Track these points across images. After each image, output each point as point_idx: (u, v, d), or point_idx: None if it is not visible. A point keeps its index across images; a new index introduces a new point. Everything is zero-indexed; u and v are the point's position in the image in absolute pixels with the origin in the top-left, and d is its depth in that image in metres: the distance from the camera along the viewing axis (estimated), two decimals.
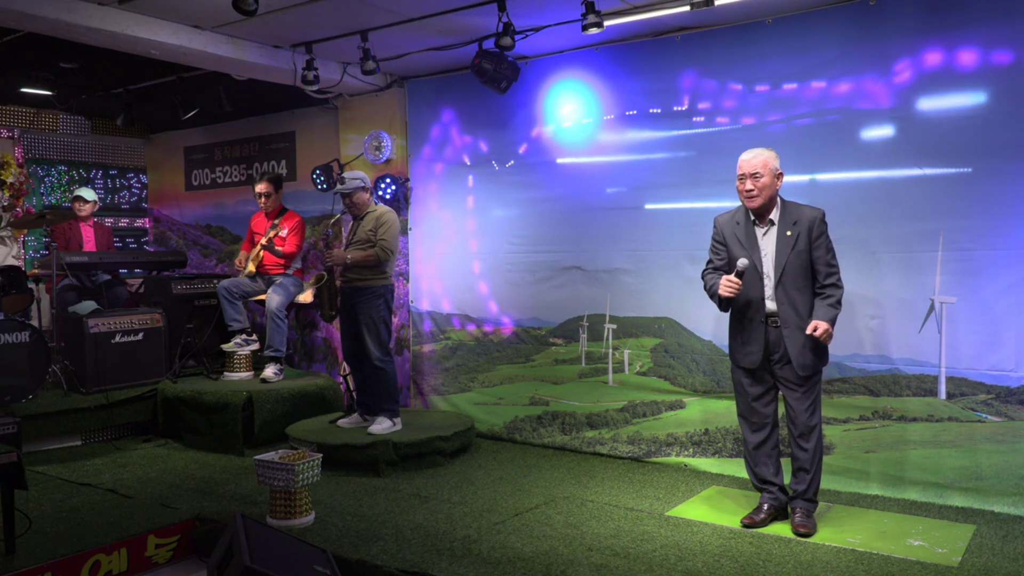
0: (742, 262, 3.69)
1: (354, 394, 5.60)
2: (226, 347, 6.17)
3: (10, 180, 7.57)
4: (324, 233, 7.04)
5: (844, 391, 4.55)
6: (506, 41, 4.72)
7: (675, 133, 5.10)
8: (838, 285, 3.74)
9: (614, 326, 5.44)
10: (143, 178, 8.79)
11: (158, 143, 8.69)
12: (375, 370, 5.15)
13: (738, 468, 4.61)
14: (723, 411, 4.90)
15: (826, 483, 4.29)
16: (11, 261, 7.48)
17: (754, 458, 3.97)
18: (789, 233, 3.74)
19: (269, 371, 5.97)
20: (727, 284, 3.71)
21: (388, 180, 6.27)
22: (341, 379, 6.06)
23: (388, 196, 6.23)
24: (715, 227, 4.01)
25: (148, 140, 8.75)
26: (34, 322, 6.00)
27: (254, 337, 6.27)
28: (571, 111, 5.54)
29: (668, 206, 5.17)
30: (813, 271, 3.75)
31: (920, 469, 4.29)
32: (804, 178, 4.60)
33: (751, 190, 3.75)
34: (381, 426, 5.12)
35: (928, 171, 4.28)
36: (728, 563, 3.43)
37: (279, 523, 3.90)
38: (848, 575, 3.30)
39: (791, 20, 4.64)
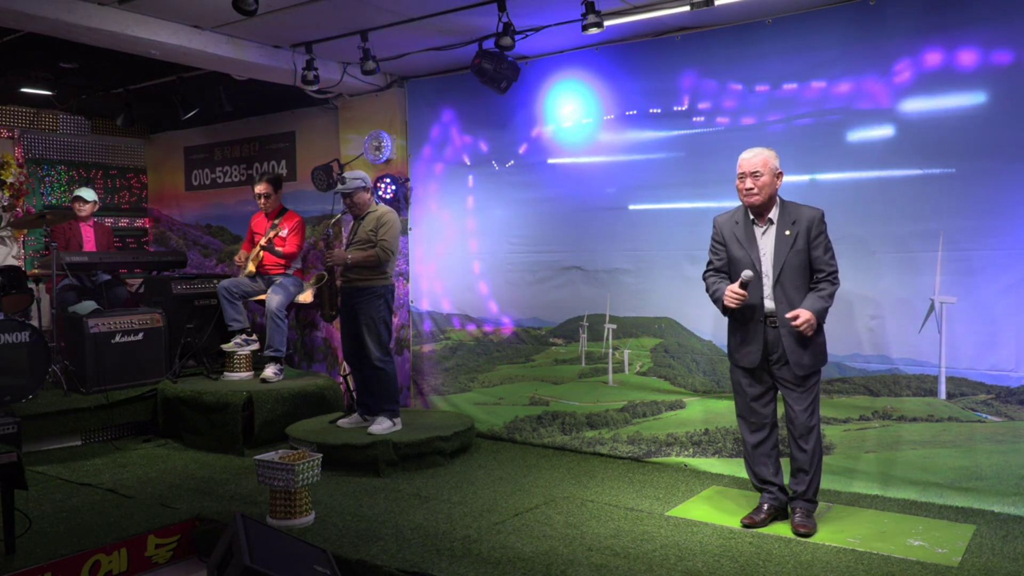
0: (747, 274, 3.69)
1: (354, 394, 5.60)
2: (226, 347, 6.17)
3: (10, 180, 7.57)
4: (324, 233, 7.04)
5: (844, 391, 4.55)
6: (506, 41, 4.72)
7: (675, 133, 5.10)
8: (833, 282, 3.74)
9: (614, 326, 5.44)
10: (143, 178, 8.79)
11: (158, 143, 8.69)
12: (375, 370, 5.15)
13: (738, 468, 4.61)
14: (723, 411, 4.90)
15: (826, 483, 4.29)
16: (11, 261, 7.48)
17: (753, 458, 3.97)
18: (788, 232, 3.74)
19: (269, 371, 5.98)
20: (732, 296, 3.72)
21: (388, 180, 6.27)
22: (341, 379, 6.06)
23: (388, 196, 6.23)
24: (714, 227, 4.02)
25: (148, 140, 8.75)
26: (34, 322, 6.00)
27: (254, 337, 6.27)
28: (571, 111, 5.54)
29: (668, 206, 5.17)
30: (812, 271, 3.75)
31: (920, 469, 4.29)
32: (804, 178, 4.60)
33: (751, 188, 3.76)
34: (381, 426, 5.12)
35: (928, 171, 4.28)
36: (728, 563, 3.43)
37: (279, 523, 3.90)
38: (848, 575, 3.30)
39: (791, 20, 4.64)
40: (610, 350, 5.46)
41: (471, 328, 6.13)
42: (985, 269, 4.15)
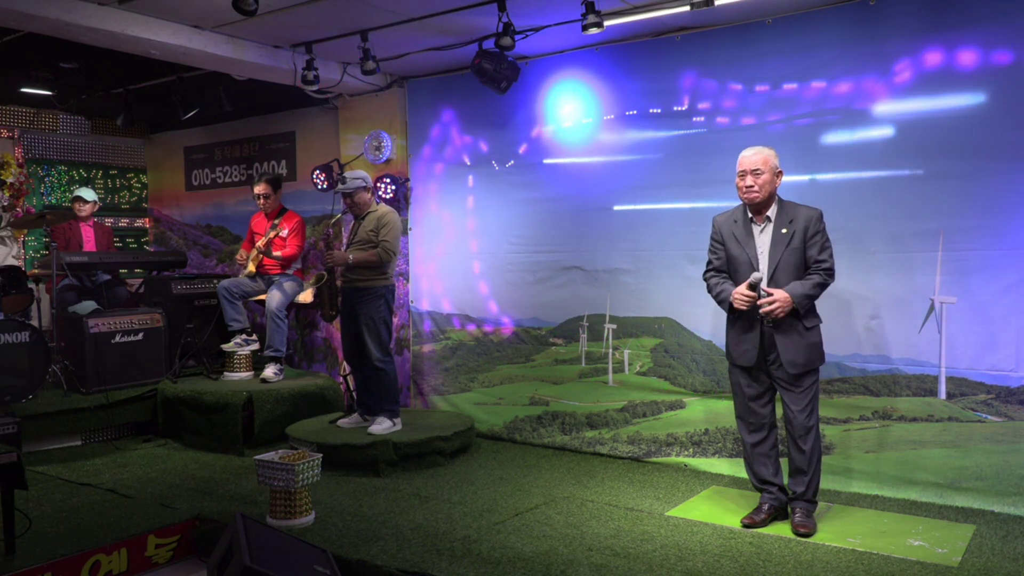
0: (756, 275, 3.70)
1: (354, 394, 5.60)
2: (226, 347, 6.17)
3: (10, 180, 7.57)
4: (324, 233, 7.04)
5: (844, 391, 4.55)
6: (506, 41, 4.72)
7: (675, 133, 5.10)
8: (824, 275, 3.71)
9: (614, 326, 5.44)
10: (143, 178, 8.80)
11: (158, 143, 8.69)
12: (375, 370, 5.15)
13: (738, 468, 4.61)
14: (723, 411, 4.90)
15: (826, 483, 4.29)
16: (11, 261, 7.48)
17: (753, 458, 3.97)
18: (784, 231, 3.75)
19: (269, 371, 5.98)
20: (741, 299, 3.72)
21: (388, 180, 6.27)
22: (341, 379, 6.06)
23: (388, 196, 6.23)
24: (714, 226, 4.03)
25: (148, 140, 8.75)
26: (34, 322, 6.01)
27: (254, 337, 6.27)
28: (571, 111, 5.54)
29: (668, 206, 5.17)
30: (807, 270, 3.75)
31: (920, 469, 4.29)
32: (804, 178, 4.60)
33: (751, 186, 3.76)
34: (381, 426, 5.12)
35: (928, 171, 4.28)
36: (728, 563, 3.43)
37: (279, 523, 3.90)
38: (848, 575, 3.30)
39: (791, 20, 4.64)
40: (610, 350, 5.46)
41: (471, 328, 6.13)
42: (985, 269, 4.14)
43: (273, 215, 6.35)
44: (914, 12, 4.28)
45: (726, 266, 3.93)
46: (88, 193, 6.84)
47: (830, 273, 3.74)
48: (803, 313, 3.71)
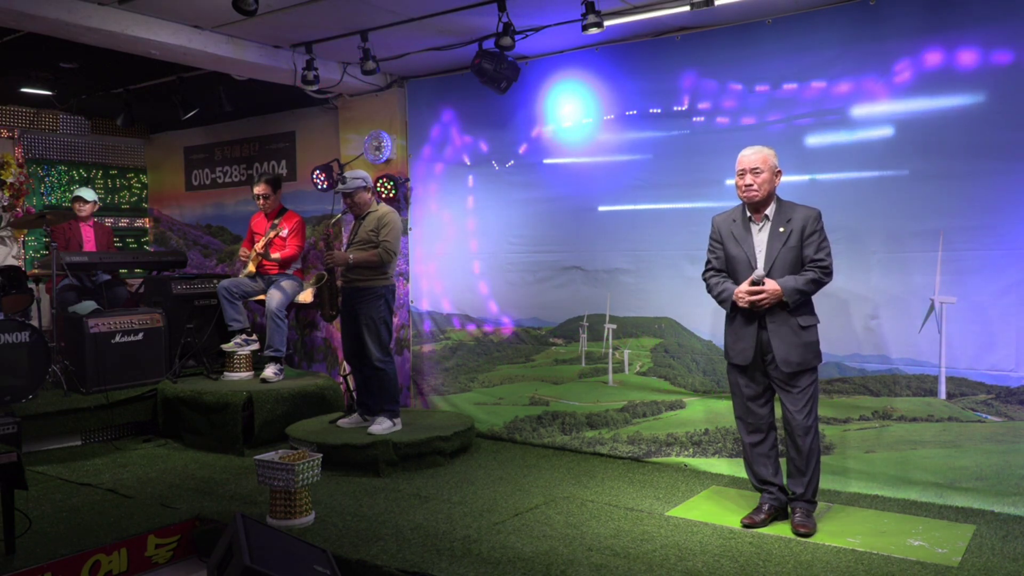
0: (758, 273, 3.71)
1: (354, 394, 5.60)
2: (226, 347, 6.17)
3: (10, 180, 7.57)
4: (324, 233, 7.04)
5: (844, 391, 4.55)
6: (506, 41, 4.72)
7: (675, 133, 5.10)
8: (819, 272, 3.71)
9: (614, 326, 5.44)
10: (143, 178, 8.80)
11: (158, 143, 8.69)
12: (375, 370, 5.15)
13: (738, 468, 4.61)
14: (723, 411, 4.90)
15: (826, 483, 4.29)
16: (11, 261, 7.48)
17: (752, 458, 3.97)
18: (782, 229, 3.76)
19: (269, 371, 5.98)
20: (745, 297, 3.72)
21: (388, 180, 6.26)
22: (341, 379, 6.06)
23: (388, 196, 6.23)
24: (713, 226, 4.03)
25: (148, 140, 8.75)
26: (34, 322, 6.00)
27: (254, 337, 6.27)
28: (571, 111, 5.54)
29: (668, 206, 5.17)
30: (804, 268, 3.76)
31: (920, 469, 4.29)
32: (804, 178, 4.60)
33: (751, 184, 3.77)
34: (381, 426, 5.12)
35: (928, 171, 4.28)
36: (728, 563, 3.43)
37: (279, 523, 3.90)
38: (848, 575, 3.30)
39: (791, 20, 4.64)
40: (610, 350, 5.46)
41: (471, 328, 6.13)
42: (985, 269, 4.14)
43: (273, 215, 6.35)
44: (914, 12, 4.28)
45: (725, 266, 3.94)
46: (88, 193, 6.84)
47: (827, 271, 3.74)
48: (798, 311, 3.72)
